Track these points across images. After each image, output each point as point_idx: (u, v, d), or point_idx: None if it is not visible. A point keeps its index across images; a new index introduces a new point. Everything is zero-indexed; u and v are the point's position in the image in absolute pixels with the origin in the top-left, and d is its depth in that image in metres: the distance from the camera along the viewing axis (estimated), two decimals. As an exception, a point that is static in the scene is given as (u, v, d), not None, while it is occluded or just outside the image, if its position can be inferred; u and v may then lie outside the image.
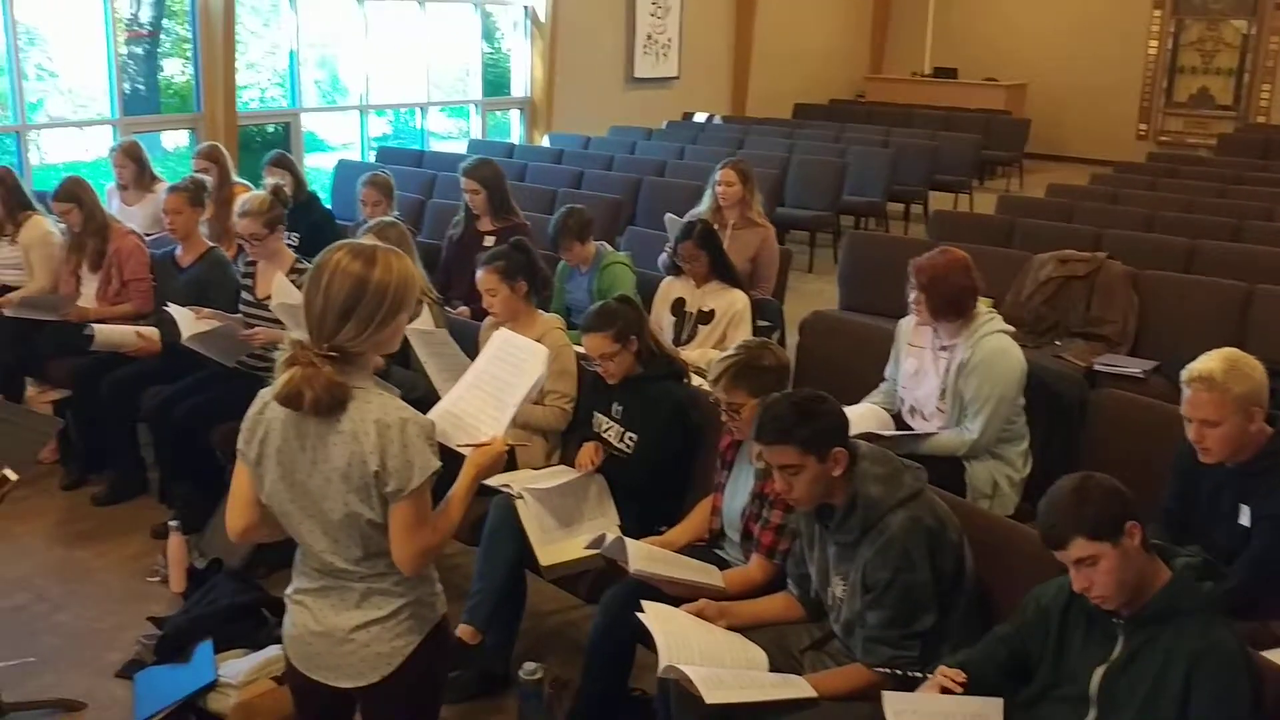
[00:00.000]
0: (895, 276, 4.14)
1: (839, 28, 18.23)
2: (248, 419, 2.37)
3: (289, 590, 2.47)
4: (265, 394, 2.34)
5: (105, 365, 5.10)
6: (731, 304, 5.03)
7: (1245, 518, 3.11)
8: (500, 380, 2.61)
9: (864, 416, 3.94)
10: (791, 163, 10.39)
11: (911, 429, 4.07)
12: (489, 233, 5.90)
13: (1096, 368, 5.43)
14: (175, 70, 11.02)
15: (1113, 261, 6.06)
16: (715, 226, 5.46)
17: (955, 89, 17.07)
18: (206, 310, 4.82)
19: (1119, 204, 8.39)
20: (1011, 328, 4.07)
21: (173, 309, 4.80)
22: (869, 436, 3.40)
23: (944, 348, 4.01)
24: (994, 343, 3.92)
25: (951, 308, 3.92)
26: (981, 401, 3.87)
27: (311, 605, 2.39)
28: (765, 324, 5.38)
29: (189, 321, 4.72)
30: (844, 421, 2.92)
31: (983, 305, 4.06)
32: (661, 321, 5.14)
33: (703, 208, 6.23)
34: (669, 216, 6.30)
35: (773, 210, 9.33)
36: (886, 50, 19.10)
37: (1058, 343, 5.89)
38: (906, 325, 4.21)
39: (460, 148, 12.16)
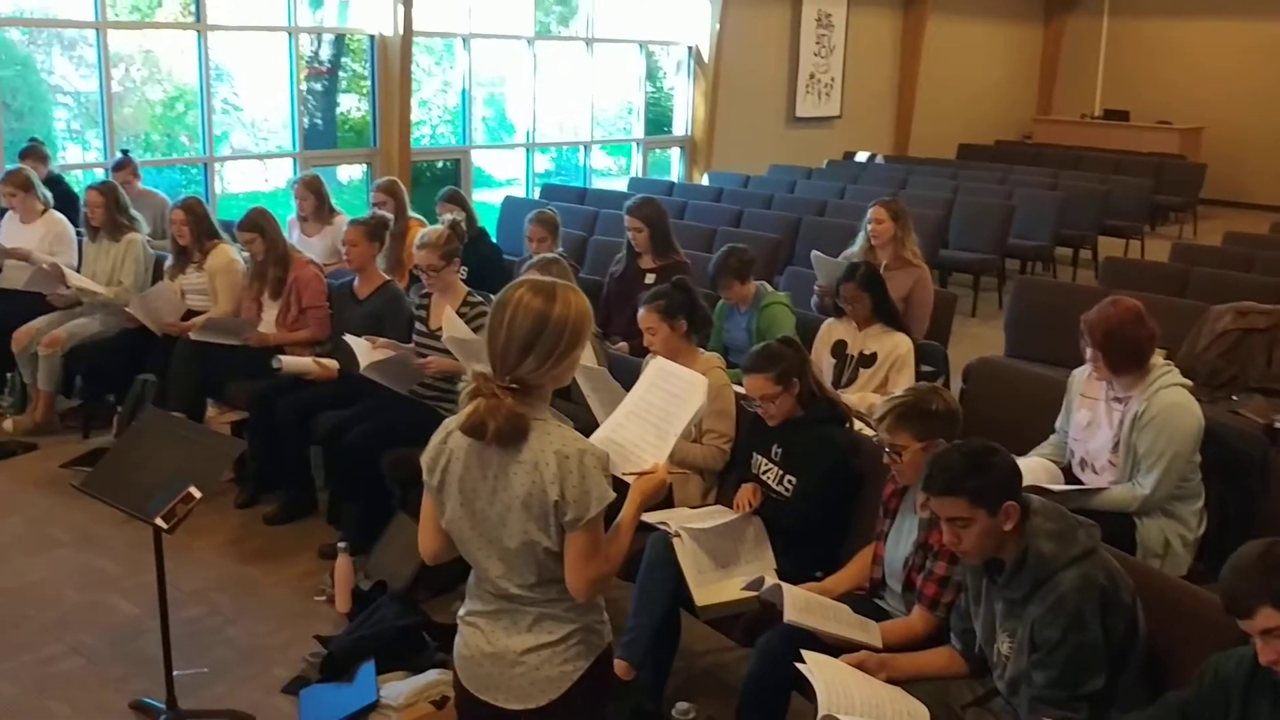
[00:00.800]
0: (1064, 324, 4.02)
1: (1006, 68, 17.91)
2: (431, 447, 2.44)
3: (462, 611, 2.53)
4: (449, 423, 2.42)
5: (282, 389, 5.31)
6: (895, 348, 4.94)
7: None
8: (660, 409, 2.63)
9: (1034, 469, 3.82)
10: (956, 204, 10.23)
11: (1081, 482, 3.93)
12: (650, 270, 5.96)
13: (1277, 425, 5.16)
14: (351, 106, 11.49)
15: (1298, 314, 5.75)
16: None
17: (1127, 132, 16.58)
18: (382, 340, 4.98)
19: (1305, 254, 7.98)
20: (1188, 381, 3.90)
21: (350, 339, 4.98)
22: (1038, 490, 3.29)
23: (1118, 400, 3.88)
24: (1170, 396, 3.77)
25: (1131, 360, 3.79)
26: (1156, 457, 3.72)
27: (484, 627, 2.45)
28: (929, 369, 5.27)
29: (365, 351, 4.88)
30: (1016, 474, 2.84)
31: (1158, 356, 3.91)
32: (822, 363, 5.08)
33: (855, 248, 6.17)
34: (816, 255, 6.26)
35: (935, 252, 9.19)
36: (1055, 91, 18.68)
37: (1235, 398, 5.60)
38: (1080, 376, 4.08)
39: (621, 185, 12.35)
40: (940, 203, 10.16)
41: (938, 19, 16.06)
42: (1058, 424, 4.18)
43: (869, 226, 6.07)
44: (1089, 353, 3.86)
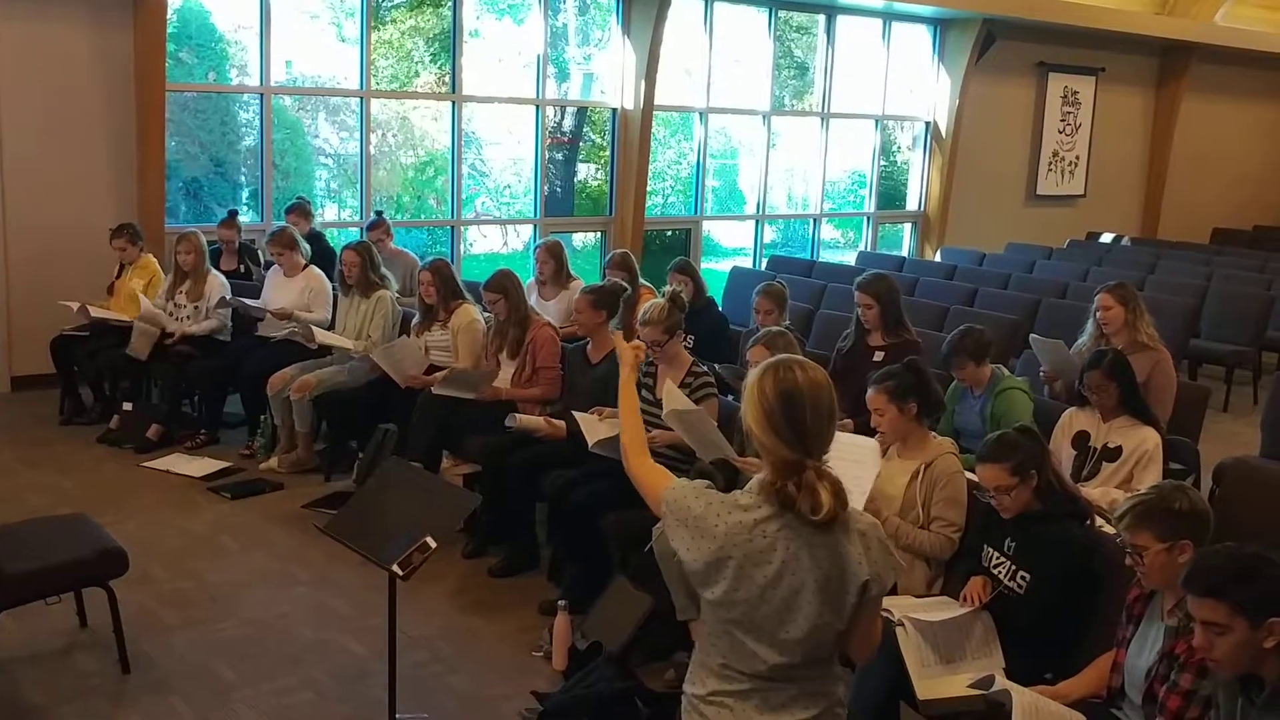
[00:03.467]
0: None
1: (1265, 149, 16.94)
2: (719, 549, 2.36)
3: (700, 691, 2.46)
4: (743, 519, 2.38)
5: (514, 446, 5.46)
6: (1142, 442, 4.67)
7: None
8: (844, 474, 2.61)
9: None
10: (1209, 291, 9.69)
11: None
12: (879, 348, 5.85)
13: None
14: (589, 175, 11.86)
15: None
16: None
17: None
18: (608, 410, 5.09)
19: None
20: None
21: (577, 415, 5.10)
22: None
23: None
24: None
25: None
26: None
27: (735, 707, 2.41)
28: (1179, 467, 4.97)
29: (593, 427, 4.98)
30: (1287, 590, 2.62)
31: None
32: (1061, 454, 4.85)
33: (1085, 337, 5.91)
34: (1034, 338, 6.02)
35: (1186, 342, 8.71)
36: (1323, 175, 17.50)
37: None
38: (1352, 485, 3.75)
39: (849, 258, 12.26)
40: (1193, 290, 9.63)
41: (1193, 97, 15.35)
42: (1323, 535, 3.85)
43: (1097, 314, 5.83)
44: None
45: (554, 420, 5.47)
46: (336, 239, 8.59)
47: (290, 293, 7.06)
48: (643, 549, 4.45)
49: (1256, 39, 15.17)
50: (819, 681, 2.41)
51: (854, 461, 2.72)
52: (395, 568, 3.55)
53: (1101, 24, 13.23)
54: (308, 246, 7.34)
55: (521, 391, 5.86)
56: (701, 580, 2.38)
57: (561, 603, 4.56)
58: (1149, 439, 4.67)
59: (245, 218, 9.19)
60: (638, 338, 5.12)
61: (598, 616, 4.53)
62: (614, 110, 11.12)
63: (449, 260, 7.24)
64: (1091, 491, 4.56)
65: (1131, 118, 15.29)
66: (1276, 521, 4.23)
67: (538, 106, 10.81)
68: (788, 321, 6.31)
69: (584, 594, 4.72)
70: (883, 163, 13.58)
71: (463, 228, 10.71)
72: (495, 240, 11.66)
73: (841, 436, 2.89)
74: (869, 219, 13.57)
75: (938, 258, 12.35)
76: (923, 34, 13.20)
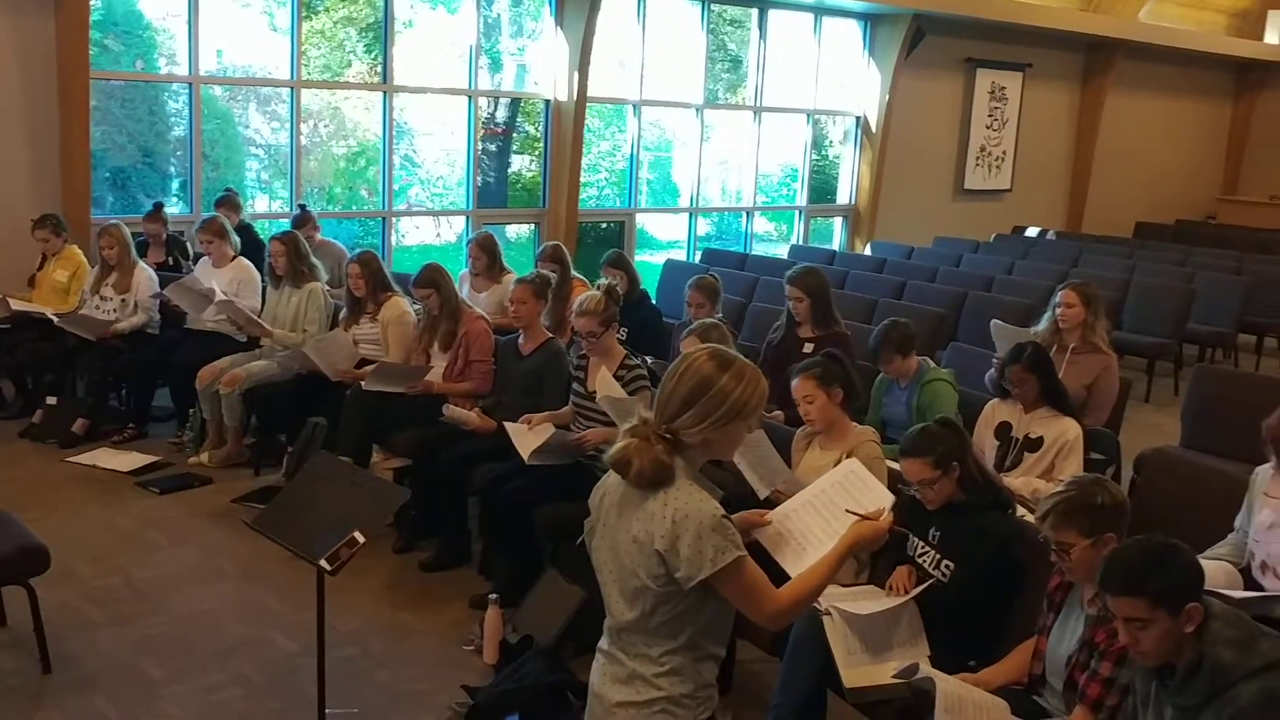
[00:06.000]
0: (1246, 416, 3.84)
1: (1190, 146, 17.34)
2: (599, 483, 2.61)
3: (599, 642, 2.64)
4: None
5: (444, 440, 5.45)
6: (1062, 433, 4.77)
7: None
8: (837, 508, 2.65)
9: (1212, 572, 3.62)
10: (1131, 285, 9.90)
11: (1262, 588, 3.71)
12: (809, 340, 5.91)
13: None
14: (523, 166, 11.82)
15: None
16: (1053, 349, 5.24)
17: (1321, 215, 15.80)
18: (537, 417, 5.09)
19: None
20: (1388, 486, 3.66)
21: (508, 427, 5.08)
22: (1216, 595, 3.11)
23: (1308, 502, 3.65)
24: (1369, 502, 3.54)
25: (1323, 467, 3.57)
26: (1351, 566, 3.49)
27: (599, 665, 2.60)
28: (1099, 457, 5.07)
29: (524, 437, 4.97)
30: (1199, 575, 2.70)
31: (1354, 458, 3.68)
32: (984, 445, 4.94)
33: (1041, 328, 6.00)
34: (996, 323, 6.09)
35: (1108, 334, 8.87)
36: (1243, 171, 17.98)
37: None
38: (1263, 473, 3.87)
39: (782, 251, 12.36)
40: (1115, 283, 9.83)
41: (1117, 94, 15.67)
42: (1237, 523, 3.96)
43: (1058, 310, 5.89)
44: (1273, 460, 3.65)
45: (485, 415, 5.46)
46: (268, 231, 8.47)
47: (219, 284, 6.97)
48: (574, 542, 4.47)
49: (1178, 36, 15.52)
50: (653, 670, 2.46)
51: (853, 499, 2.73)
52: (323, 563, 3.53)
53: (1028, 20, 13.45)
54: (237, 238, 7.24)
55: (453, 385, 5.84)
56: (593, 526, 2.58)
57: (493, 596, 4.56)
58: (1069, 430, 4.77)
59: (174, 209, 9.05)
60: (572, 329, 5.13)
61: (529, 610, 4.54)
62: (547, 102, 11.10)
63: (379, 252, 7.19)
64: (1014, 481, 4.65)
65: (1057, 113, 15.57)
66: (1195, 509, 4.33)
67: (470, 97, 10.76)
68: (720, 314, 6.35)
69: (515, 587, 4.73)
70: (814, 157, 13.70)
71: (394, 219, 10.63)
72: (428, 232, 11.59)
73: (863, 475, 2.85)
74: (801, 212, 13.68)
75: (868, 251, 12.50)
76: (853, 29, 13.33)
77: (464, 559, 5.45)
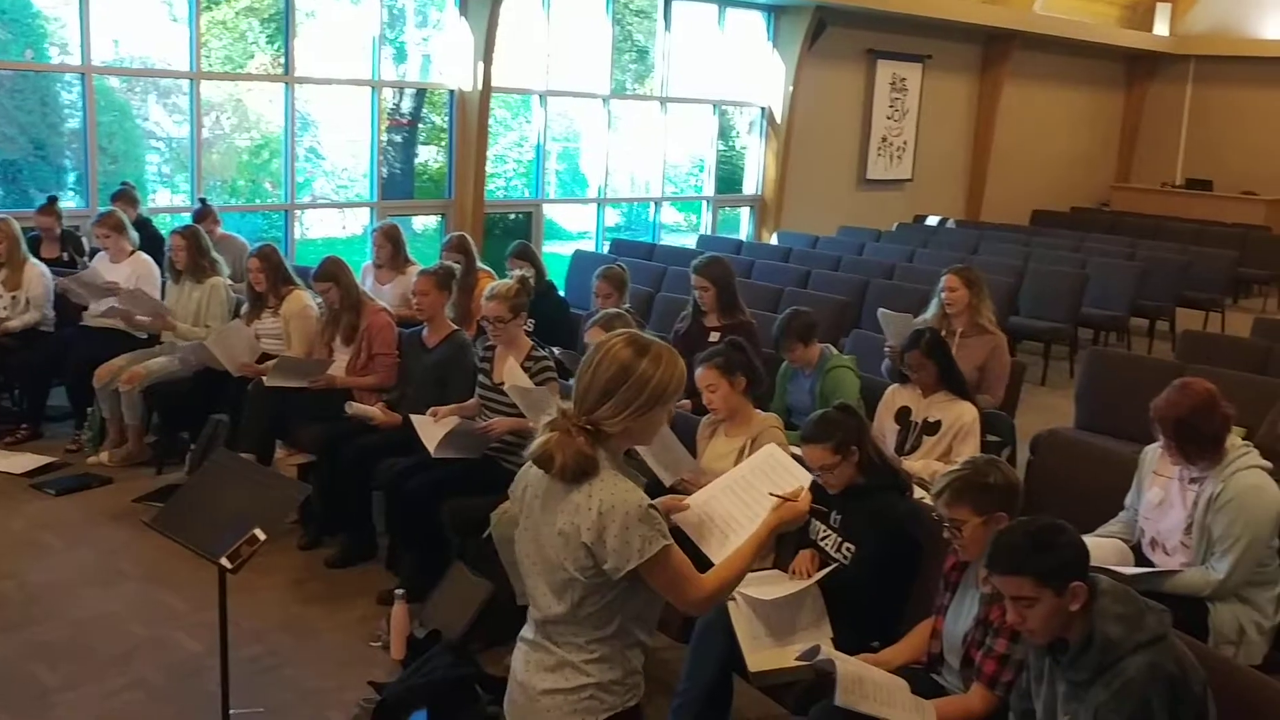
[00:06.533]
0: (1137, 397, 3.94)
1: (1084, 135, 17.80)
2: (519, 474, 2.60)
3: (520, 632, 2.63)
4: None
5: (348, 435, 5.39)
6: (959, 416, 4.89)
7: None
8: (757, 492, 2.68)
9: (1104, 549, 3.75)
10: (1028, 271, 10.15)
11: (1151, 562, 3.85)
12: (715, 328, 5.97)
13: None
14: (430, 157, 11.71)
15: (1385, 395, 5.60)
16: (943, 334, 5.35)
17: (1209, 202, 16.36)
18: (442, 410, 5.08)
19: (1393, 332, 7.77)
20: (1268, 463, 3.80)
21: (413, 419, 5.06)
22: (1107, 572, 3.22)
23: (1193, 480, 3.79)
24: (1249, 479, 3.68)
25: (1206, 447, 3.71)
26: (1232, 540, 3.63)
27: (523, 655, 2.58)
28: (995, 439, 5.20)
29: (430, 428, 4.95)
30: (1084, 553, 2.78)
31: (1236, 436, 3.82)
32: (884, 430, 5.05)
33: (929, 315, 6.13)
34: (883, 312, 6.21)
35: (1006, 319, 9.08)
36: (1135, 159, 18.52)
37: (1317, 481, 5.45)
38: (1152, 453, 4.00)
39: (690, 241, 12.42)
40: (1012, 269, 10.07)
41: (1014, 84, 16.01)
42: (1128, 501, 4.10)
43: (942, 294, 6.03)
44: (1161, 439, 3.78)
45: (390, 410, 5.42)
46: (168, 225, 8.27)
47: (117, 279, 6.79)
48: (481, 535, 4.47)
49: (1073, 28, 15.91)
50: (582, 656, 2.46)
51: (772, 482, 2.75)
52: (224, 561, 3.48)
53: (927, 12, 13.67)
54: (135, 233, 7.07)
55: (357, 379, 5.78)
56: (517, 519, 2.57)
57: (399, 592, 4.53)
58: (966, 413, 4.89)
59: (70, 203, 8.78)
60: (482, 317, 5.11)
61: (436, 604, 4.53)
62: (452, 92, 11.00)
63: (283, 246, 7.07)
64: (914, 464, 4.76)
65: (956, 104, 15.87)
66: (1089, 489, 4.46)
67: (374, 88, 10.62)
68: (628, 304, 6.38)
69: (423, 582, 4.71)
70: (721, 147, 13.79)
71: (299, 212, 10.46)
72: (333, 224, 11.42)
73: (782, 459, 2.86)
74: (708, 202, 13.77)
75: (774, 240, 12.63)
76: (757, 20, 13.43)
77: (371, 555, 5.40)
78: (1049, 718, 2.85)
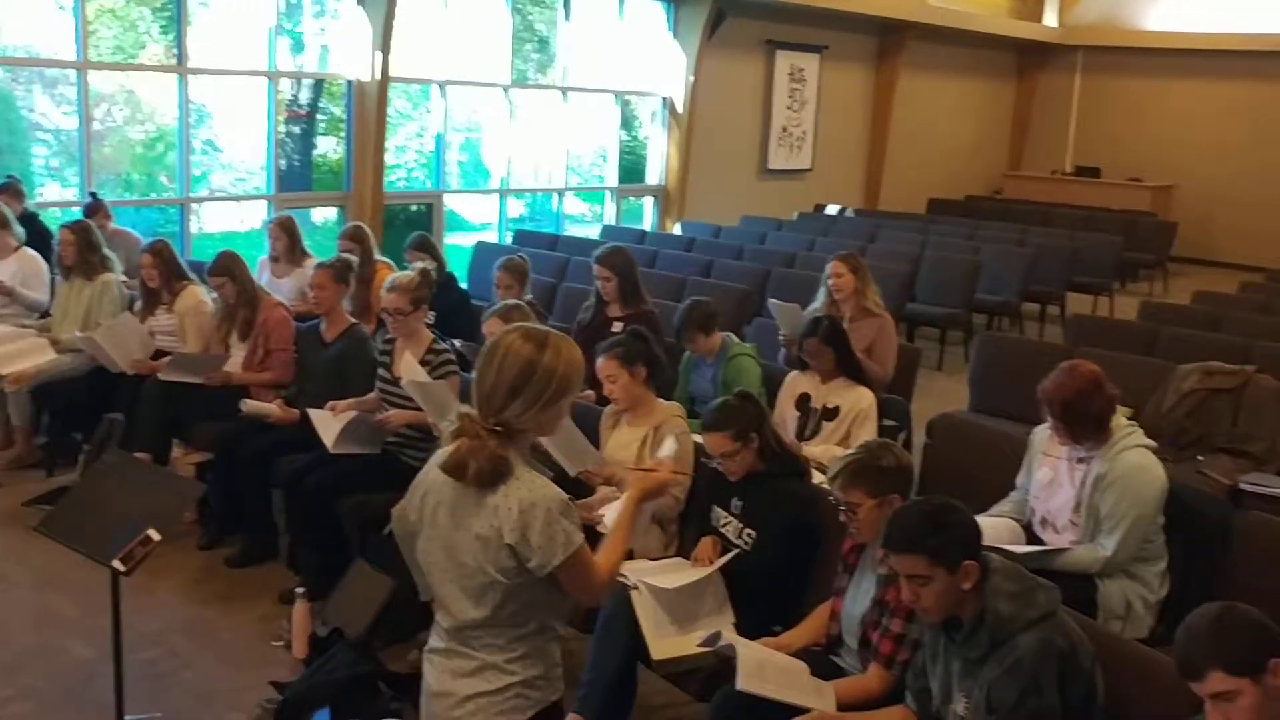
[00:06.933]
0: (1028, 380, 4.03)
1: (977, 124, 18.17)
2: (415, 481, 2.54)
3: (426, 646, 2.59)
4: (436, 457, 2.50)
5: (245, 432, 5.30)
6: (857, 401, 4.98)
7: None
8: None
9: (996, 528, 3.84)
10: (924, 258, 10.34)
11: (1041, 541, 3.96)
12: (618, 319, 5.98)
13: (1242, 486, 5.22)
14: (329, 149, 11.53)
15: (1262, 376, 5.83)
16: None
17: (1097, 189, 16.82)
18: (340, 404, 5.02)
19: (1272, 314, 8.09)
20: (1152, 442, 3.93)
21: (311, 414, 5.00)
22: (999, 550, 3.31)
23: (1081, 460, 3.90)
24: (1133, 458, 3.80)
25: (1092, 427, 3.82)
26: (1118, 518, 3.75)
27: (437, 665, 2.53)
28: (891, 423, 5.31)
29: (328, 424, 4.89)
30: (976, 533, 2.86)
31: (1122, 416, 3.95)
32: (785, 416, 5.12)
33: (818, 303, 6.23)
34: (773, 302, 6.29)
35: (903, 306, 9.28)
36: (1027, 148, 18.95)
37: (1200, 458, 5.66)
38: (1041, 434, 4.11)
39: (593, 232, 12.42)
40: (908, 257, 10.26)
41: (909, 75, 16.29)
42: (1019, 481, 4.20)
43: (829, 282, 6.14)
44: (1049, 421, 3.89)
45: (288, 406, 5.34)
46: (58, 220, 8.01)
47: (3, 276, 6.57)
48: (382, 531, 4.42)
49: (965, 19, 16.22)
50: (504, 657, 2.45)
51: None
52: (117, 563, 3.40)
53: (823, 3, 13.81)
54: (20, 228, 6.84)
55: (253, 376, 5.68)
56: (415, 529, 2.53)
57: (300, 590, 4.47)
58: (864, 399, 4.98)
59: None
60: (382, 309, 5.05)
61: (338, 601, 4.46)
62: (350, 83, 10.84)
63: (174, 241, 6.90)
64: (813, 449, 4.84)
65: (853, 94, 16.09)
66: (982, 470, 4.57)
67: (270, 79, 10.42)
68: (530, 296, 6.35)
69: (324, 580, 4.64)
70: (625, 137, 13.81)
71: (195, 206, 10.21)
72: (230, 218, 11.17)
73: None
74: (612, 193, 13.78)
75: (677, 230, 12.69)
76: (657, 10, 13.45)
77: (271, 553, 5.32)
78: (944, 695, 2.93)
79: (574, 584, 2.42)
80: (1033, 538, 4.02)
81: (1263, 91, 16.34)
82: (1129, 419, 4.03)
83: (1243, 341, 6.69)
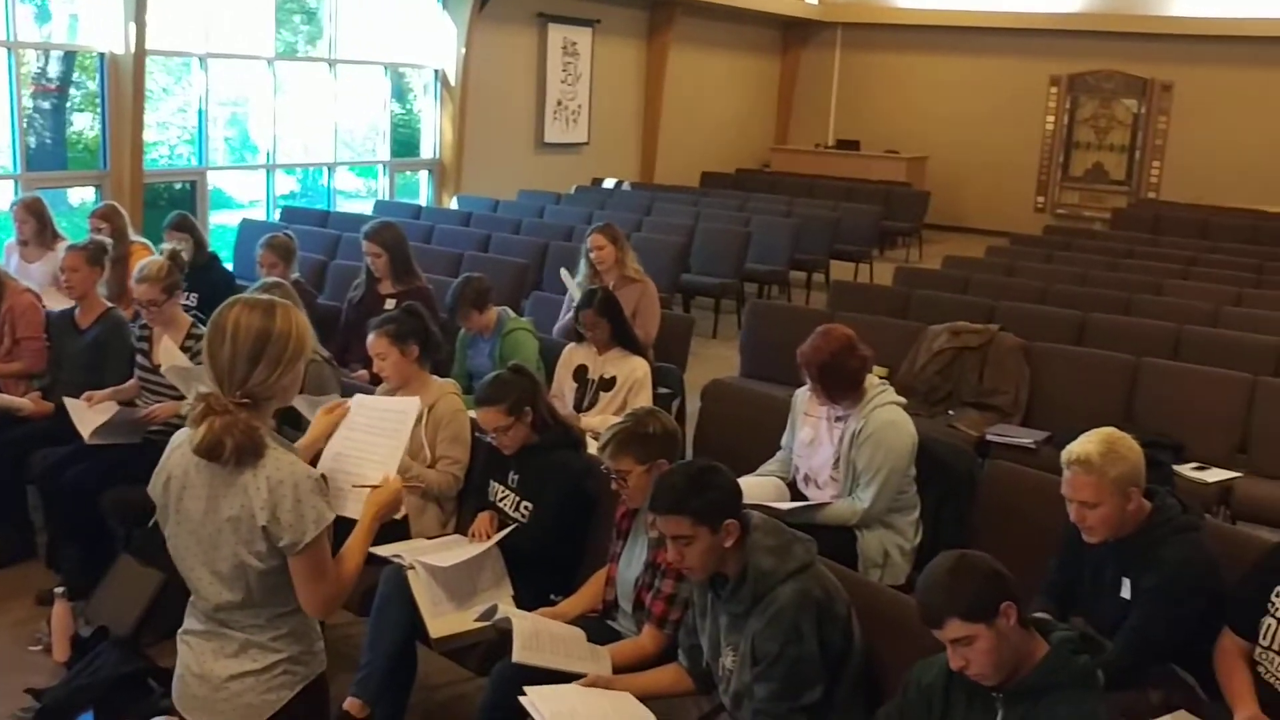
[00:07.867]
0: (794, 345, 4.20)
1: (745, 99, 18.63)
2: (158, 467, 2.46)
3: (180, 629, 2.54)
4: (175, 440, 2.44)
5: (-3, 425, 4.99)
6: (632, 371, 5.09)
7: (1126, 590, 3.17)
8: (370, 441, 2.67)
9: (763, 487, 4.02)
10: (698, 230, 10.56)
11: (805, 497, 4.15)
12: (390, 295, 5.91)
13: (989, 438, 5.58)
14: (86, 126, 10.86)
15: (1005, 334, 6.25)
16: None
17: (857, 161, 17.53)
18: (98, 394, 4.81)
19: (1014, 276, 8.65)
20: (903, 399, 4.17)
21: (68, 403, 4.76)
22: (764, 508, 3.46)
23: (839, 418, 4.11)
24: (885, 415, 4.02)
25: (847, 386, 4.03)
26: (873, 472, 3.97)
27: (195, 647, 2.48)
28: (665, 391, 5.45)
29: (83, 414, 4.67)
30: (737, 493, 2.98)
31: (876, 376, 4.18)
32: (564, 388, 5.19)
33: (580, 275, 6.31)
34: (564, 271, 6.36)
35: (678, 277, 9.48)
36: (792, 122, 19.56)
37: (951, 412, 6.04)
38: (802, 395, 4.30)
39: (367, 207, 12.15)
40: (683, 229, 10.46)
41: (679, 49, 16.54)
42: (784, 441, 4.39)
43: (591, 254, 6.24)
44: (809, 383, 4.08)
45: (36, 399, 5.05)
46: None
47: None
48: (147, 524, 4.25)
49: (730, -5, 16.57)
50: (268, 634, 2.43)
51: (378, 433, 2.70)
52: None
53: (587, -25, 13.85)
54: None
55: (2, 367, 5.33)
56: (161, 516, 2.46)
57: (59, 590, 4.26)
58: (639, 368, 5.10)
59: None
60: (135, 301, 4.83)
61: (102, 599, 4.29)
62: (102, 55, 10.21)
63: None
64: (591, 420, 4.92)
65: (627, 69, 16.24)
66: (751, 432, 4.74)
67: (10, 49, 9.71)
68: (296, 274, 6.20)
69: (87, 578, 4.44)
70: (398, 110, 13.54)
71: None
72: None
73: (375, 403, 2.86)
74: (385, 167, 13.50)
75: (454, 205, 12.56)
76: (426, -19, 13.23)
77: (28, 553, 5.05)
78: (714, 651, 3.05)
79: (310, 572, 2.35)
80: (797, 494, 4.21)
81: (1007, 66, 17.41)
82: (882, 378, 4.27)
83: (987, 302, 7.13)
